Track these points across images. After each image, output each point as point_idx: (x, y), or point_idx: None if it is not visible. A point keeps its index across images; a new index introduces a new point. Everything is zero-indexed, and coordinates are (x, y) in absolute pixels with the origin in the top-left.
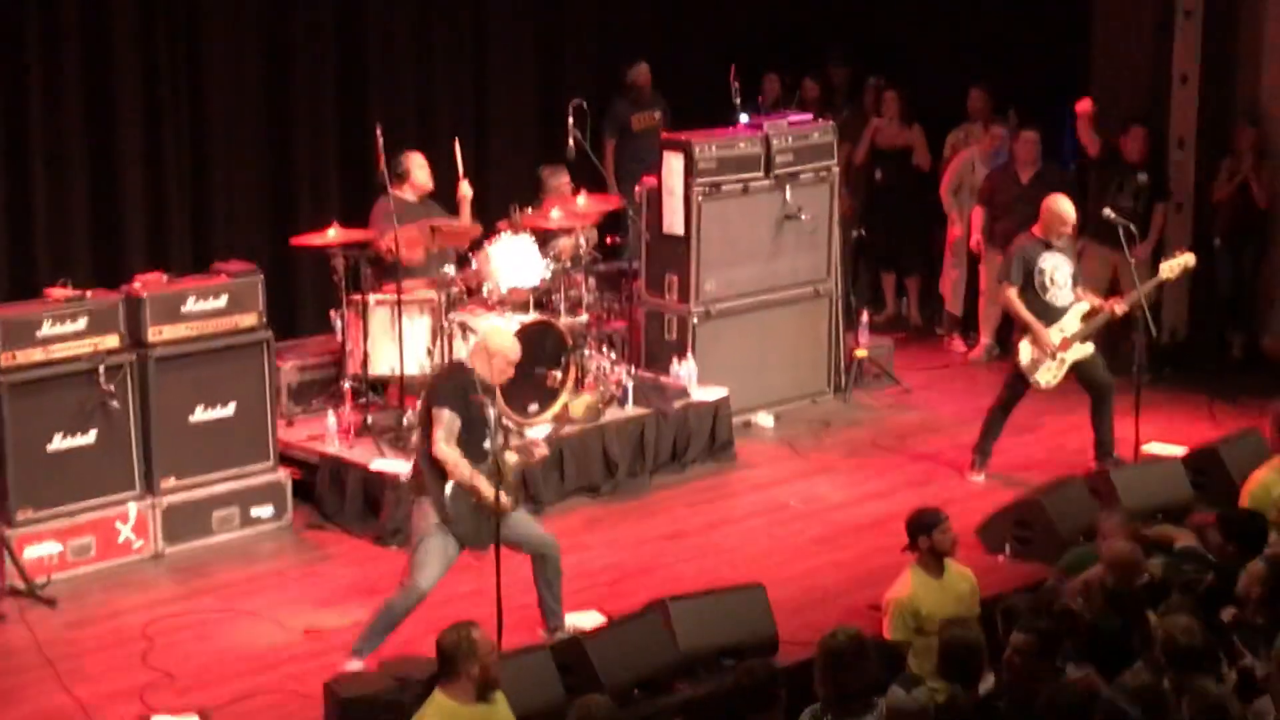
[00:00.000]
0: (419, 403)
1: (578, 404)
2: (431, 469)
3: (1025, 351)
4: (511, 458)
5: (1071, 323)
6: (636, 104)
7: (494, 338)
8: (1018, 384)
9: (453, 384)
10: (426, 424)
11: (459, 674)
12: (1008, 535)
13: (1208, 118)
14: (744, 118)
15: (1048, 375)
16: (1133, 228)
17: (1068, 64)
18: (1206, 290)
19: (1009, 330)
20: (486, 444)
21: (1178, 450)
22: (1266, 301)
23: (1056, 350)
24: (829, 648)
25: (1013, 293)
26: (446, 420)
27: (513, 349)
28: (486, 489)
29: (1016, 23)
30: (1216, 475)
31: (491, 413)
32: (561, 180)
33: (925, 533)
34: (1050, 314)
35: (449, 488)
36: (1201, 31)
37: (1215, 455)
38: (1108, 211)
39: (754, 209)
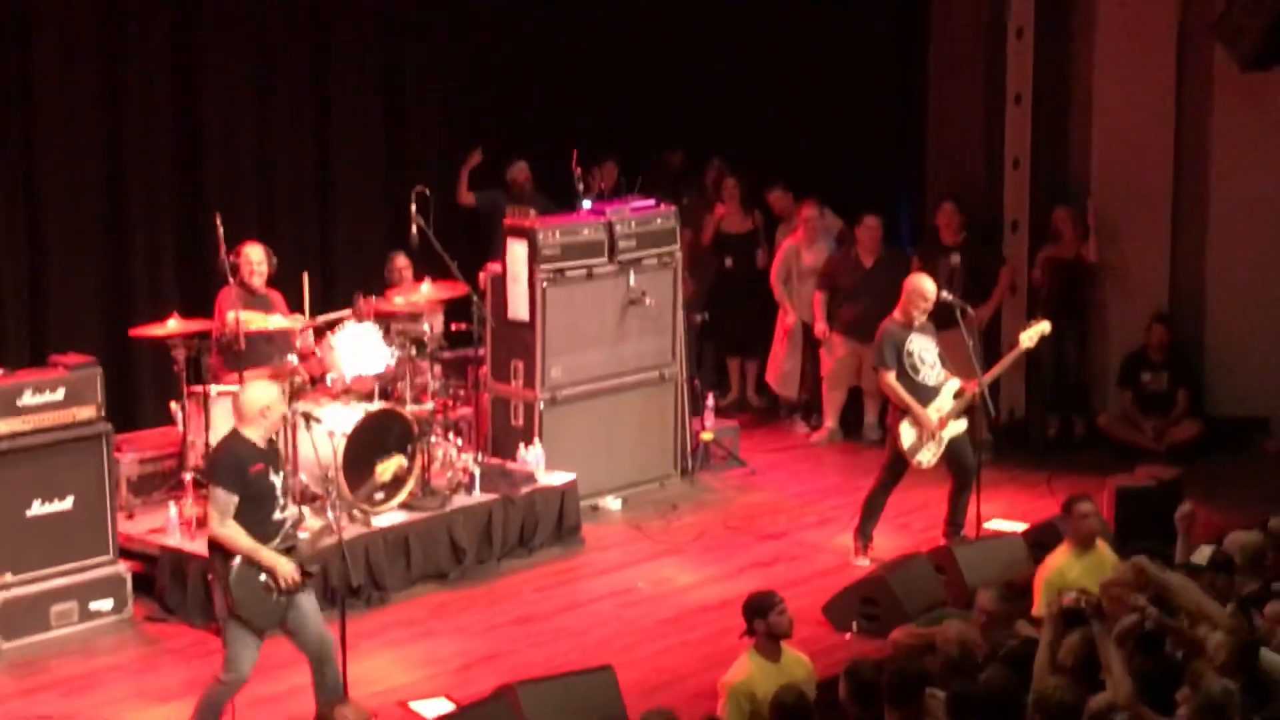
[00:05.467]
0: None
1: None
2: (217, 550)
3: (907, 434)
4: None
5: (945, 401)
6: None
7: (251, 393)
8: (898, 465)
9: (226, 458)
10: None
11: None
12: (854, 612)
13: (1040, 201)
14: (587, 204)
15: (928, 455)
16: (969, 308)
17: (905, 149)
18: (1041, 370)
19: (851, 413)
20: (277, 514)
21: (1018, 526)
22: (1100, 381)
23: (936, 430)
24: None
25: (891, 377)
26: (221, 500)
27: (269, 393)
28: (272, 561)
29: (851, 108)
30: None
31: (277, 480)
32: (401, 264)
33: (761, 616)
34: (924, 394)
35: (234, 568)
36: (1032, 116)
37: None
38: (945, 294)
39: (598, 294)
